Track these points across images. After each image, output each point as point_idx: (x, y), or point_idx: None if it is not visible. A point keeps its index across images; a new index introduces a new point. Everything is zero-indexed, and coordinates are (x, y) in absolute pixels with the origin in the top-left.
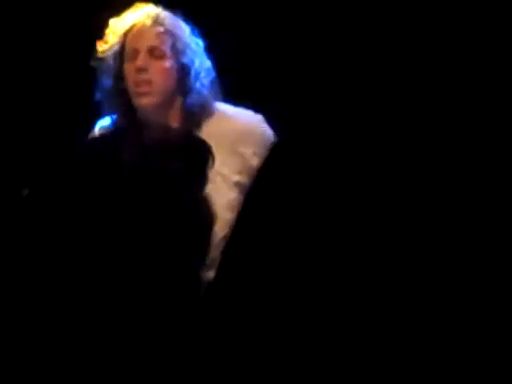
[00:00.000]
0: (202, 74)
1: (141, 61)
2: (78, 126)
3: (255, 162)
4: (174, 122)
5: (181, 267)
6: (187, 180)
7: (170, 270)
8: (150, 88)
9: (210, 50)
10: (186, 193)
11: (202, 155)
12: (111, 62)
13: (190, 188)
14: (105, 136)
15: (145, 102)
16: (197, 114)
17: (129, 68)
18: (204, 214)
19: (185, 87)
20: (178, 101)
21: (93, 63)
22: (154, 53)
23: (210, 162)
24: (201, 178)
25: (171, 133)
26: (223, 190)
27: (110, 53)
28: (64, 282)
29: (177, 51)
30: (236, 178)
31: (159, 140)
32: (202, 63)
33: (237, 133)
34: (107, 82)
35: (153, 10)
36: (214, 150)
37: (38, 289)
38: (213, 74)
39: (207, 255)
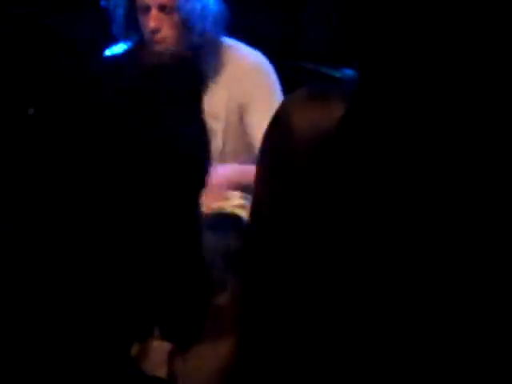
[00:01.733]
0: (206, 16)
1: (154, 21)
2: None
3: (255, 99)
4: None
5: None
6: (179, 99)
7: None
8: (165, 44)
9: None
10: (177, 111)
11: (192, 78)
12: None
13: (182, 106)
14: (113, 59)
15: (156, 38)
16: (202, 52)
17: (142, 20)
18: (202, 134)
19: (189, 29)
20: (185, 40)
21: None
22: (165, 9)
23: (201, 85)
24: (193, 97)
25: (165, 56)
26: (230, 123)
27: None
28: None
29: (183, 2)
30: (239, 113)
31: (154, 63)
32: (206, 4)
33: (240, 72)
34: (120, 17)
35: None
36: (220, 87)
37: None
38: (219, 9)
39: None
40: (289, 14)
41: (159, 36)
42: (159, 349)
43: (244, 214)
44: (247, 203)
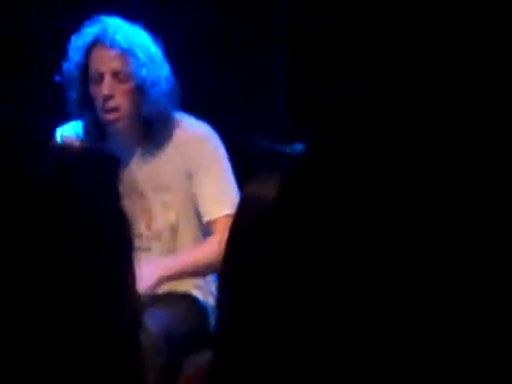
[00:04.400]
0: (158, 85)
1: (107, 88)
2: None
3: (201, 167)
4: (139, 136)
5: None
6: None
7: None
8: (118, 114)
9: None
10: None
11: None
12: (76, 77)
13: (102, 198)
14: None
15: (114, 128)
16: (154, 123)
17: (94, 91)
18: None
19: (143, 99)
20: (138, 116)
21: (58, 77)
22: (119, 76)
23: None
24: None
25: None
26: (181, 195)
27: (73, 69)
28: None
29: (136, 69)
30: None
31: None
32: (158, 74)
33: (188, 142)
34: (73, 95)
35: (111, 25)
36: (171, 160)
37: None
38: (171, 82)
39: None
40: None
41: (112, 103)
42: None
43: (200, 294)
44: (203, 284)
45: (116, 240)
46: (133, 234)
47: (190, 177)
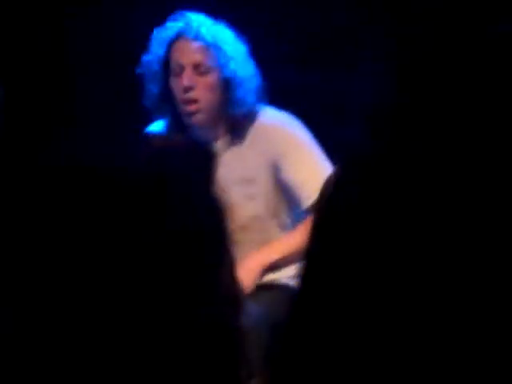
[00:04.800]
0: (246, 83)
1: (187, 79)
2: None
3: (286, 155)
4: (221, 130)
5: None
6: (191, 183)
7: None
8: (197, 106)
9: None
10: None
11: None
12: (157, 71)
13: (195, 189)
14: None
15: (194, 120)
16: (242, 123)
17: (175, 83)
18: (216, 213)
19: (229, 97)
20: (224, 110)
21: (138, 71)
22: (199, 69)
23: (213, 166)
24: (206, 179)
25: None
26: (265, 186)
27: (154, 62)
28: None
29: (220, 64)
30: (273, 176)
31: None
32: (245, 71)
33: (271, 130)
34: (154, 89)
35: (195, 20)
36: (255, 153)
37: None
38: (257, 79)
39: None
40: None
41: (191, 95)
42: None
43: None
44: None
45: (214, 222)
46: (228, 218)
47: (275, 167)
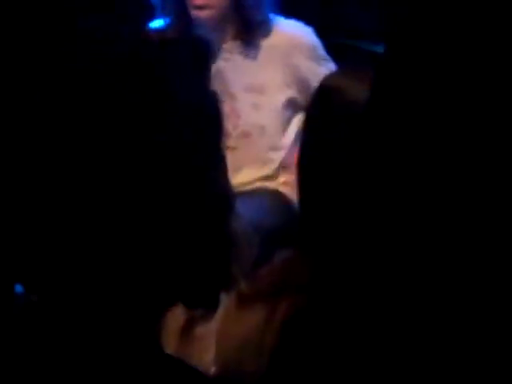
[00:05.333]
0: None
1: None
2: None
3: (307, 74)
4: (231, 34)
5: (184, 164)
6: (188, 72)
7: (173, 167)
8: (208, 12)
9: None
10: (187, 83)
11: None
12: None
13: (191, 79)
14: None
15: (202, 15)
16: (253, 30)
17: None
18: (211, 106)
19: (241, 2)
20: (235, 16)
21: None
22: None
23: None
24: (203, 69)
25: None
26: (275, 98)
27: None
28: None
29: None
30: (287, 89)
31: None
32: None
33: (288, 45)
34: None
35: None
36: (267, 62)
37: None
38: None
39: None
40: None
41: (201, 1)
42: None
43: (288, 190)
44: (292, 181)
45: (209, 115)
46: (223, 113)
47: (292, 81)
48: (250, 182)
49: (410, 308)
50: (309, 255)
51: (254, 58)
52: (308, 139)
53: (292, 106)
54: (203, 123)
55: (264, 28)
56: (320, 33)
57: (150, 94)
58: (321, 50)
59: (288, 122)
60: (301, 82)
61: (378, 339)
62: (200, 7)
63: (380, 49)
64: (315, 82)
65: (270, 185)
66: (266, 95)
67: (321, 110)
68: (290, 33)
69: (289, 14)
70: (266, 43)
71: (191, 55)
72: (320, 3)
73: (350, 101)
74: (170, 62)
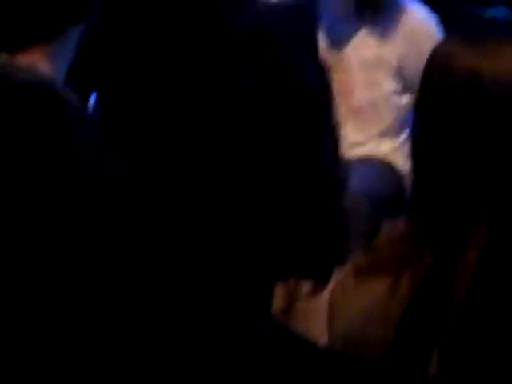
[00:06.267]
0: None
1: None
2: None
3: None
4: (352, 12)
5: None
6: (294, 42)
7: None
8: None
9: None
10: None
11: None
12: None
13: (297, 51)
14: None
15: None
16: (381, 7)
17: None
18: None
19: None
20: None
21: None
22: None
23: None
24: (309, 40)
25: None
26: (388, 80)
27: None
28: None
29: None
30: (401, 73)
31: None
32: None
33: (412, 29)
34: None
35: None
36: (388, 41)
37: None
38: None
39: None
40: None
41: None
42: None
43: (396, 158)
44: (400, 146)
45: (319, 84)
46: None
47: (407, 66)
48: (359, 149)
49: None
50: (426, 227)
51: (375, 34)
52: (424, 108)
53: (403, 88)
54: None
55: (394, 8)
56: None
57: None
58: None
59: (400, 106)
60: (416, 70)
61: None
62: None
63: (483, 12)
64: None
65: (378, 151)
66: (381, 74)
67: (436, 76)
68: (417, 20)
69: None
70: (392, 24)
71: (299, 23)
72: None
73: (467, 66)
74: (280, 31)
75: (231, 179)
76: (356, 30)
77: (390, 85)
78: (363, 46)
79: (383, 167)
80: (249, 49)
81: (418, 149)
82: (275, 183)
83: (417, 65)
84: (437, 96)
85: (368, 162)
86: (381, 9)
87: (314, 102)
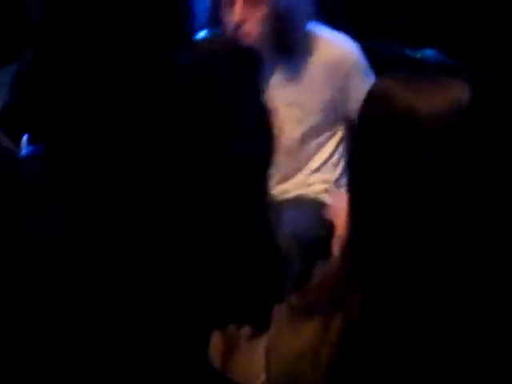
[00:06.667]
0: (299, 11)
1: (238, 13)
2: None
3: (352, 92)
4: (273, 48)
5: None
6: (237, 86)
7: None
8: (248, 38)
9: None
10: (238, 99)
11: (248, 61)
12: None
13: (241, 93)
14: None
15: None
16: (293, 48)
17: (226, 14)
18: (265, 119)
19: (282, 27)
20: (277, 38)
21: None
22: (251, 1)
23: (258, 68)
24: (251, 82)
25: (217, 44)
26: (317, 113)
27: None
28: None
29: None
30: (330, 105)
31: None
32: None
33: (335, 63)
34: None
35: None
36: (311, 77)
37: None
38: (310, 5)
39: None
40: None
41: (243, 30)
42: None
43: (327, 198)
44: (333, 188)
45: (259, 128)
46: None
47: (334, 99)
48: (290, 191)
49: (467, 319)
50: (358, 268)
51: (297, 73)
52: (359, 147)
53: (333, 121)
54: (258, 135)
55: (304, 44)
56: (355, 36)
57: (212, 107)
58: (366, 67)
59: (329, 137)
60: (346, 100)
61: (435, 350)
62: (237, 25)
63: (414, 53)
64: (358, 99)
65: (311, 193)
66: (308, 110)
67: (374, 115)
68: (337, 50)
69: (321, 18)
70: (310, 58)
71: (243, 65)
72: (354, 7)
73: (404, 105)
74: (224, 73)
75: (171, 229)
76: (276, 71)
77: (318, 120)
78: (285, 86)
79: (315, 207)
80: (189, 93)
81: (355, 186)
82: (211, 233)
83: (343, 93)
84: (374, 134)
85: (300, 202)
86: (297, 47)
87: (250, 145)
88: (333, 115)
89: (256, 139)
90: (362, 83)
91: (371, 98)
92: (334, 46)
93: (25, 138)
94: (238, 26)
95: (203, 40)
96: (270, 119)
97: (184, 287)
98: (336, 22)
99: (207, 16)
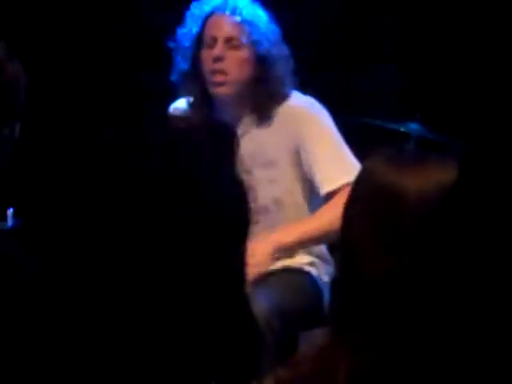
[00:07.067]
0: (280, 63)
1: (218, 50)
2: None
3: (308, 138)
4: (247, 109)
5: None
6: (215, 164)
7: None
8: (225, 78)
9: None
10: (216, 176)
11: (225, 139)
12: (189, 45)
13: (220, 170)
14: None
15: (219, 91)
16: (269, 103)
17: (206, 55)
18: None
19: (262, 76)
20: (255, 89)
21: (171, 45)
22: (232, 42)
23: (235, 145)
24: (228, 159)
25: (192, 123)
26: (287, 171)
27: (188, 37)
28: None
29: (254, 41)
30: (297, 160)
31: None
32: (279, 51)
33: (294, 116)
34: (184, 65)
35: None
36: (277, 133)
37: None
38: (290, 62)
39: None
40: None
41: (221, 66)
42: None
43: (314, 270)
44: (317, 261)
45: (235, 211)
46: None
47: (297, 151)
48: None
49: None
50: (346, 338)
51: (268, 130)
52: (350, 222)
53: (305, 176)
54: (231, 212)
55: (279, 102)
56: (338, 112)
57: (179, 184)
58: (324, 117)
59: (305, 194)
60: (296, 151)
61: None
62: (220, 84)
63: (398, 126)
64: (312, 156)
65: (294, 263)
66: (279, 169)
67: (363, 196)
68: (297, 105)
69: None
70: (279, 116)
71: (218, 142)
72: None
73: (392, 185)
74: (198, 150)
75: (144, 288)
76: (248, 131)
77: (289, 178)
78: (259, 145)
79: (299, 279)
80: (163, 170)
81: (342, 262)
82: (187, 296)
83: (306, 146)
84: (361, 215)
85: (282, 273)
86: (274, 106)
87: (227, 214)
88: (302, 171)
89: (231, 203)
90: (322, 147)
91: (359, 178)
92: (295, 102)
93: (10, 211)
94: (216, 61)
95: (178, 116)
96: (245, 183)
97: (162, 346)
98: (320, 97)
99: (182, 79)
